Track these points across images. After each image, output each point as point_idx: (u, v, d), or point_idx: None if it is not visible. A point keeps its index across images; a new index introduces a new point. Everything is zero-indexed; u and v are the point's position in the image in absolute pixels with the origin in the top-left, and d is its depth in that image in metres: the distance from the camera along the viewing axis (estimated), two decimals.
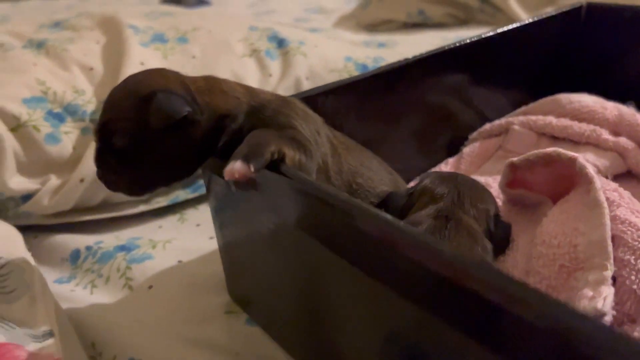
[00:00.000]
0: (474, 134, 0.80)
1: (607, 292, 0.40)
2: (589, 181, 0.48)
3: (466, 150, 0.78)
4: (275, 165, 0.43)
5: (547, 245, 0.46)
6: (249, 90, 0.52)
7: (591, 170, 0.49)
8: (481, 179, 0.71)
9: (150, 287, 0.63)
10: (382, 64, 0.99)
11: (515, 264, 0.49)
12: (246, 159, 0.41)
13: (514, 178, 0.58)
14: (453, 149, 0.80)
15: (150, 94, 0.45)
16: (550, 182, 0.56)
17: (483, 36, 0.78)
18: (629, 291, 0.45)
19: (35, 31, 1.01)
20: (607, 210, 0.45)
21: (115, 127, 0.46)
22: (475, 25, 1.58)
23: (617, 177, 0.71)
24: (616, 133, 0.72)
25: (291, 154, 0.45)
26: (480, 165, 0.76)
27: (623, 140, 0.70)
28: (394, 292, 0.35)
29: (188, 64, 0.88)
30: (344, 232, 0.38)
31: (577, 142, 0.73)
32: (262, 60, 0.93)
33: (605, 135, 0.71)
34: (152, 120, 0.45)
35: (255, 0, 2.17)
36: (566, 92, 0.83)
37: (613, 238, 0.48)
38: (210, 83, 0.50)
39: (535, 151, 0.54)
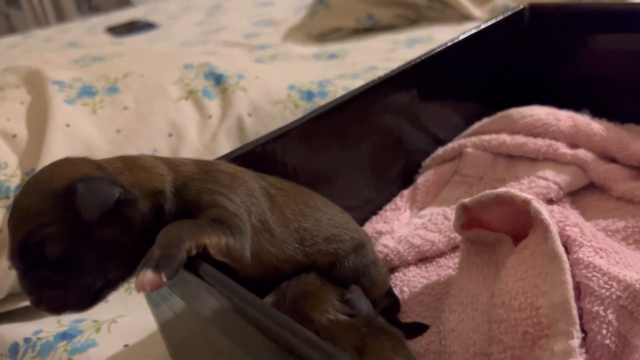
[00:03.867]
0: (427, 161, 0.76)
1: None
2: (545, 228, 0.44)
3: (420, 179, 0.73)
4: (194, 263, 0.39)
5: (507, 308, 0.42)
6: (170, 164, 0.47)
7: (547, 215, 0.45)
8: (439, 209, 0.68)
9: None
10: (328, 88, 0.94)
11: (476, 327, 0.45)
12: (157, 268, 0.37)
13: (468, 218, 0.54)
14: (408, 178, 0.76)
15: (69, 186, 0.39)
16: (507, 219, 0.52)
17: (428, 55, 0.73)
18: (601, 347, 0.41)
19: None
20: (567, 265, 0.41)
21: (41, 237, 0.39)
22: (426, 24, 1.55)
23: (580, 190, 0.68)
24: (573, 145, 0.69)
25: (214, 241, 0.41)
26: (437, 193, 0.72)
27: (581, 153, 0.67)
28: None
29: (120, 116, 0.83)
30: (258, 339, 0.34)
31: (534, 158, 0.69)
32: (199, 101, 0.87)
33: (563, 149, 0.67)
34: (83, 213, 0.39)
35: (204, 18, 2.11)
36: (518, 100, 0.80)
37: (578, 285, 0.44)
38: (128, 162, 0.45)
39: (487, 192, 0.50)
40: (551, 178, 0.65)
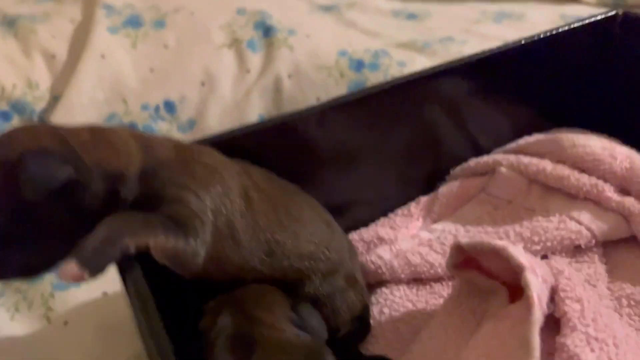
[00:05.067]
0: (456, 170, 0.68)
1: None
2: (529, 306, 0.38)
3: (443, 189, 0.67)
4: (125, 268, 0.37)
5: None
6: (144, 144, 0.43)
7: (536, 292, 0.39)
8: (453, 227, 0.62)
9: (66, 323, 0.59)
10: (382, 60, 0.87)
11: None
12: (84, 262, 0.35)
13: (465, 257, 0.48)
14: (430, 183, 0.69)
15: (19, 158, 0.37)
16: (505, 269, 0.46)
17: (496, 50, 0.64)
18: None
19: (17, 2, 0.95)
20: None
21: None
22: None
23: (617, 243, 0.60)
24: (624, 189, 0.60)
25: (160, 242, 0.39)
26: (457, 207, 0.65)
27: (629, 201, 0.58)
28: None
29: (157, 54, 0.81)
30: None
31: (573, 195, 0.61)
32: (241, 52, 0.83)
33: (609, 192, 0.59)
34: (25, 192, 0.37)
35: None
36: (583, 117, 0.70)
37: None
38: (98, 135, 0.42)
39: (485, 241, 0.44)
40: (586, 222, 0.57)
